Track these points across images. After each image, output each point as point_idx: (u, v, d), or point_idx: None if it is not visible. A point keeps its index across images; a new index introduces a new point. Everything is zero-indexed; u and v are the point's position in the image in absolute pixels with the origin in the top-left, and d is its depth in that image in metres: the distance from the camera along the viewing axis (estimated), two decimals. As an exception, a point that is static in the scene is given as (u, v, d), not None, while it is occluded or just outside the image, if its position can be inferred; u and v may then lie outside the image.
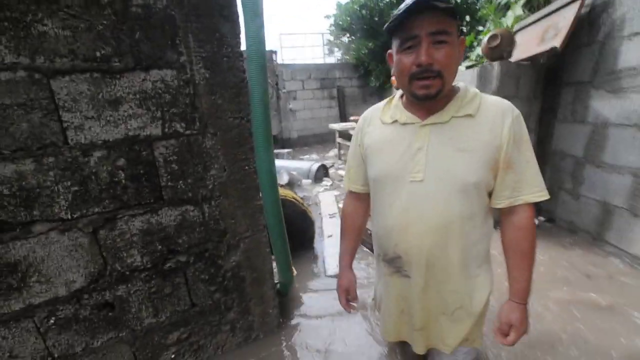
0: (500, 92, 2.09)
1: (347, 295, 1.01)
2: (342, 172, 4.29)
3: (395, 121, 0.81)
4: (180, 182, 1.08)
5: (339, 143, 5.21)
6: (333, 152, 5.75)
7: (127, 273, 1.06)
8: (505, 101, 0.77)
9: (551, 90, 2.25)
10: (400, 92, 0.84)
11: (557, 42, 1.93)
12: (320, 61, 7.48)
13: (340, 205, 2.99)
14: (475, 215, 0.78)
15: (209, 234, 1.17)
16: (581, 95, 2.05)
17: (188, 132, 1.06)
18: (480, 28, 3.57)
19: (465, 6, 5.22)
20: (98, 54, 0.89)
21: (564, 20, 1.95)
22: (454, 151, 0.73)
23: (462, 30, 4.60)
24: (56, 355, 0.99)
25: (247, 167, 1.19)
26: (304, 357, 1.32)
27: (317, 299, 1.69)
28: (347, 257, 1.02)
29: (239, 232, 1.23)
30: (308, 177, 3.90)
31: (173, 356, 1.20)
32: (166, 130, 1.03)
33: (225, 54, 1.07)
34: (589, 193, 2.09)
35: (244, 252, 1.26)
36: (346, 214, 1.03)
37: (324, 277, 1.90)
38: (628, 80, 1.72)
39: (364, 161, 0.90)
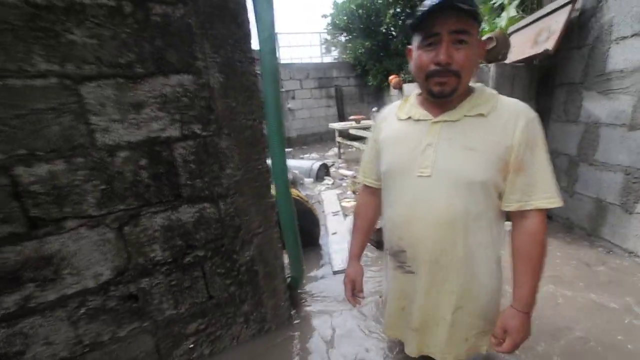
0: (496, 92, 2.16)
1: (353, 288, 1.03)
2: (342, 172, 4.34)
3: (410, 117, 0.83)
4: (198, 180, 1.14)
5: (339, 142, 5.23)
6: (333, 151, 5.77)
7: (150, 267, 1.12)
8: (522, 103, 0.76)
9: (545, 91, 2.31)
10: (417, 90, 0.87)
11: (549, 45, 2.00)
12: (317, 60, 7.49)
13: (343, 204, 3.06)
14: (481, 215, 0.77)
15: (224, 230, 1.24)
16: (573, 96, 2.11)
17: (204, 133, 1.12)
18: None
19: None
20: (122, 60, 0.95)
21: (556, 23, 2.02)
22: (462, 149, 0.74)
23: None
24: (86, 343, 1.05)
25: (260, 167, 1.25)
26: (312, 348, 1.38)
27: (325, 294, 1.76)
28: (356, 249, 1.05)
29: (252, 228, 1.30)
30: (309, 176, 3.94)
31: (192, 346, 1.26)
32: (184, 131, 1.09)
33: (239, 59, 1.13)
34: (583, 190, 2.14)
35: (257, 247, 1.33)
36: (359, 207, 1.07)
37: (331, 272, 1.97)
38: (616, 82, 1.80)
39: (378, 156, 0.92)
